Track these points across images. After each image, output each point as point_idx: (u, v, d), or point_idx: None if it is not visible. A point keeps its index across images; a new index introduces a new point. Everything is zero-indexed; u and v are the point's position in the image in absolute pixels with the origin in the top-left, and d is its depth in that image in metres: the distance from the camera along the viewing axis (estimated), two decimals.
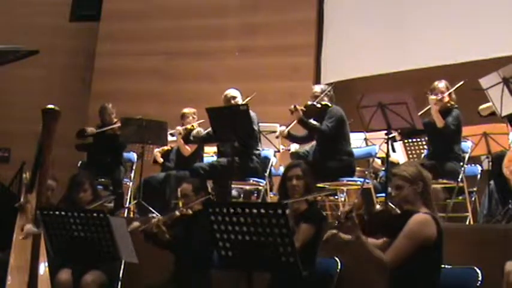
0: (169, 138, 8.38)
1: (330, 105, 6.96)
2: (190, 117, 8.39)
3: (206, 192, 5.86)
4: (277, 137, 7.73)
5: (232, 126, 6.83)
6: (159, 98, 10.91)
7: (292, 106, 6.89)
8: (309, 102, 6.98)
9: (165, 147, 8.83)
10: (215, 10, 11.55)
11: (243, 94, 7.67)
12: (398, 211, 4.07)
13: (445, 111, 6.60)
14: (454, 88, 6.70)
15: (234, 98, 7.50)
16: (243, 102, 7.41)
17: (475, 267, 4.51)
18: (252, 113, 7.34)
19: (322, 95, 7.02)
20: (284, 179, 5.20)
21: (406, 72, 9.67)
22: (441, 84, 6.75)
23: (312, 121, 6.96)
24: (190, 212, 5.52)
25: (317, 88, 7.17)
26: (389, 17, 10.18)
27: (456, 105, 6.67)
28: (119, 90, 10.98)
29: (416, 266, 3.95)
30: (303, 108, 6.90)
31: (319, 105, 6.93)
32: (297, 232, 4.77)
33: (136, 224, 5.60)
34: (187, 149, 8.13)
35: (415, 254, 3.94)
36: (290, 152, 7.69)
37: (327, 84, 7.56)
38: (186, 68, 10.82)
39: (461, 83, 6.64)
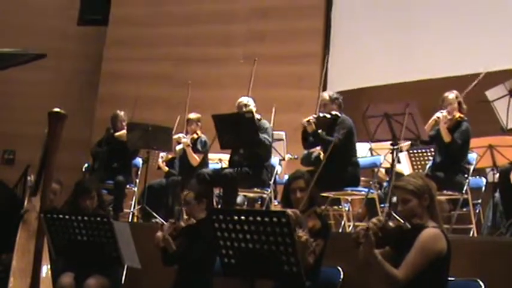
0: (178, 147, 8.38)
1: (339, 115, 6.93)
2: (194, 124, 8.37)
3: (208, 199, 5.83)
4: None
5: (237, 134, 6.83)
6: (166, 103, 10.92)
7: (305, 120, 6.85)
8: (320, 114, 6.92)
9: (169, 156, 8.83)
10: (223, 17, 11.57)
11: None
12: (409, 225, 4.03)
13: (454, 125, 6.61)
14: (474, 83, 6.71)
15: (247, 106, 7.42)
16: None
17: (478, 280, 4.50)
18: (267, 124, 7.33)
19: (331, 103, 6.98)
20: (287, 191, 5.18)
21: (412, 83, 9.66)
22: (451, 95, 6.74)
23: (321, 132, 6.92)
24: (194, 221, 5.51)
25: (325, 95, 7.12)
26: (396, 28, 10.19)
27: (466, 118, 6.66)
28: (125, 94, 11.00)
29: (425, 280, 3.92)
30: (314, 121, 6.84)
31: (329, 116, 6.89)
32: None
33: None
34: (196, 159, 8.10)
35: (426, 268, 3.92)
36: (302, 155, 7.65)
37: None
38: (193, 74, 10.83)
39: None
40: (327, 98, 7.04)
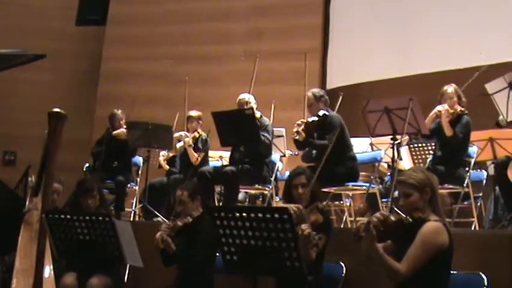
0: (178, 145, 8.37)
1: (327, 114, 6.93)
2: (195, 122, 8.36)
3: (203, 196, 5.84)
4: None
5: (237, 131, 6.83)
6: (165, 102, 10.92)
7: (295, 130, 6.86)
8: (309, 119, 6.93)
9: (170, 154, 8.82)
10: (222, 15, 11.58)
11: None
12: (410, 219, 4.03)
13: (454, 119, 6.61)
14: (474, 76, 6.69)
15: (248, 103, 7.42)
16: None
17: (481, 273, 4.51)
18: (267, 121, 7.33)
19: (317, 102, 7.00)
20: (289, 187, 5.20)
21: (411, 77, 9.67)
22: (450, 89, 6.74)
23: (313, 139, 6.94)
24: (190, 219, 5.52)
25: (310, 95, 7.11)
26: (395, 22, 10.19)
27: (466, 112, 6.67)
28: (124, 93, 11.01)
29: (427, 273, 3.92)
30: (303, 127, 6.84)
31: (317, 119, 6.90)
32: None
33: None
34: (197, 157, 8.08)
35: (428, 262, 3.92)
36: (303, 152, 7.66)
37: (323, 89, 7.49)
38: (192, 72, 10.83)
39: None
40: (312, 97, 7.04)
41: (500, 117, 6.53)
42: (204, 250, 5.32)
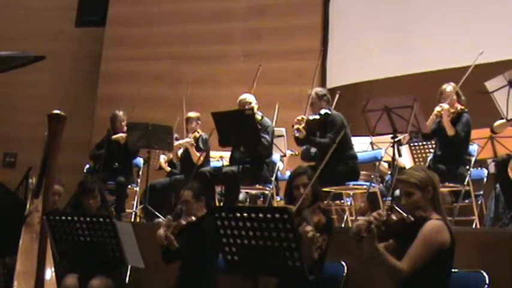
0: (179, 152, 8.37)
1: (329, 112, 6.94)
2: (194, 123, 8.36)
3: (207, 196, 5.84)
4: None
5: (237, 131, 6.82)
6: (165, 102, 10.92)
7: (295, 129, 6.86)
8: (310, 117, 6.94)
9: (171, 156, 8.82)
10: (221, 15, 11.57)
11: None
12: (412, 218, 4.04)
13: (455, 117, 6.62)
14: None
15: (249, 103, 7.42)
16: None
17: (482, 271, 4.51)
18: (268, 122, 7.33)
19: (319, 101, 7.01)
20: (291, 187, 5.18)
21: (411, 76, 9.67)
22: (449, 88, 6.75)
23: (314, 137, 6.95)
24: (193, 218, 5.52)
25: (313, 94, 7.12)
26: (394, 21, 10.19)
27: (466, 110, 6.67)
28: (124, 94, 10.99)
29: (428, 272, 3.92)
30: (304, 125, 6.85)
31: (318, 117, 6.91)
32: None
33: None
34: (200, 157, 8.07)
35: (429, 260, 3.92)
36: (302, 150, 7.66)
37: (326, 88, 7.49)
38: (191, 72, 10.84)
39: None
40: (315, 96, 7.05)
41: (495, 124, 6.54)
42: (207, 250, 5.31)
